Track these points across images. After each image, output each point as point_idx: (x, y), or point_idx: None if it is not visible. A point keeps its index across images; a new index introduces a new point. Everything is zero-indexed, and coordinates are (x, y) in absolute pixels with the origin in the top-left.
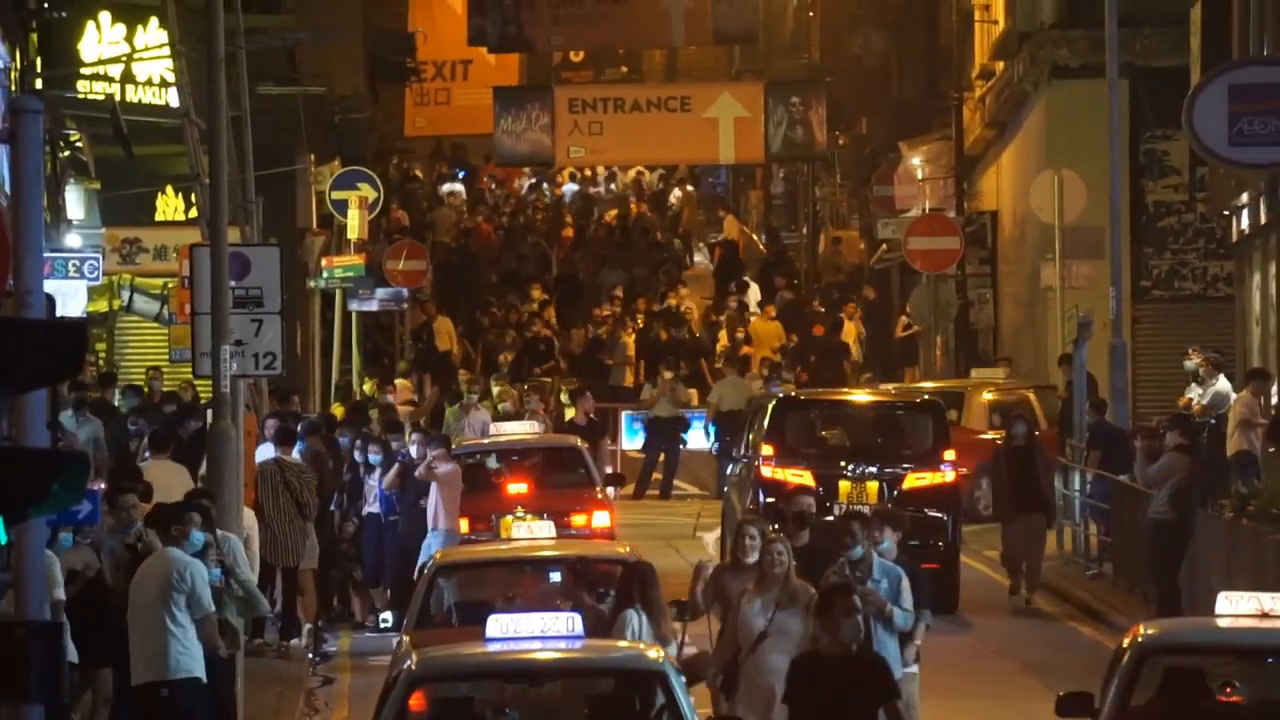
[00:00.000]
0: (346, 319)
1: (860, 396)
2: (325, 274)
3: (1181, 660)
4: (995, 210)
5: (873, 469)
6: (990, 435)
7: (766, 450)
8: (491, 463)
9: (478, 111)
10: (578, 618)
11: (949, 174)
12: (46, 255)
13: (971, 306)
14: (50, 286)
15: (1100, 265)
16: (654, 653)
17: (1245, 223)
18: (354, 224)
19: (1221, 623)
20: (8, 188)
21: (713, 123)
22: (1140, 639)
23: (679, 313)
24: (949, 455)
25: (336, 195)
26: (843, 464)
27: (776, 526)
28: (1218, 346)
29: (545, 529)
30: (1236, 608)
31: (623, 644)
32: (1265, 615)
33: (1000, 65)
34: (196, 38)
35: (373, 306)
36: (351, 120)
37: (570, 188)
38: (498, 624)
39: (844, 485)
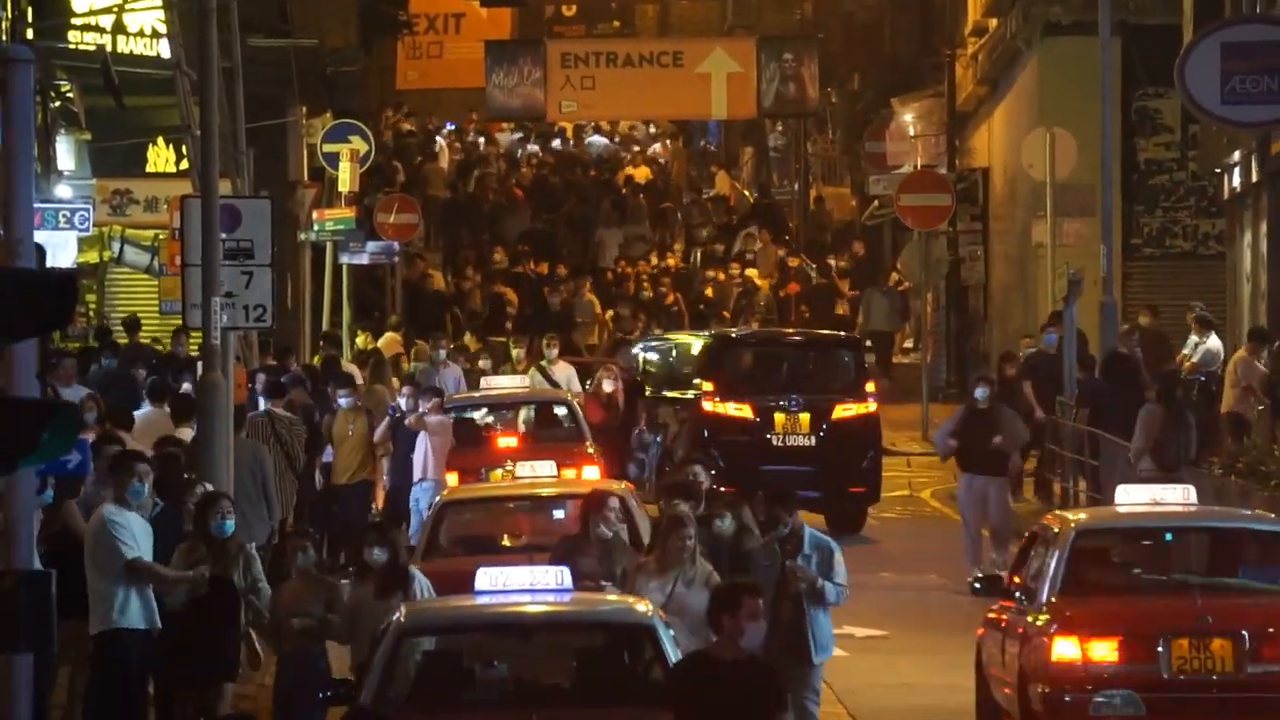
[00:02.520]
0: (337, 272)
1: (791, 335)
2: (316, 227)
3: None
4: (987, 167)
5: (804, 401)
6: None
7: (707, 386)
8: (480, 417)
9: (470, 65)
10: (567, 571)
11: (941, 131)
12: (37, 206)
13: (963, 263)
14: (41, 237)
15: (1091, 223)
16: (642, 606)
17: (1236, 181)
18: (345, 177)
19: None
20: None
21: (705, 78)
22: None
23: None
24: (870, 388)
25: (328, 148)
26: (777, 398)
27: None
28: (1206, 304)
29: (548, 468)
30: (1132, 498)
31: (611, 597)
32: (1156, 504)
33: (993, 22)
34: None
35: (363, 260)
36: (343, 73)
37: (598, 140)
38: (487, 577)
39: (779, 417)
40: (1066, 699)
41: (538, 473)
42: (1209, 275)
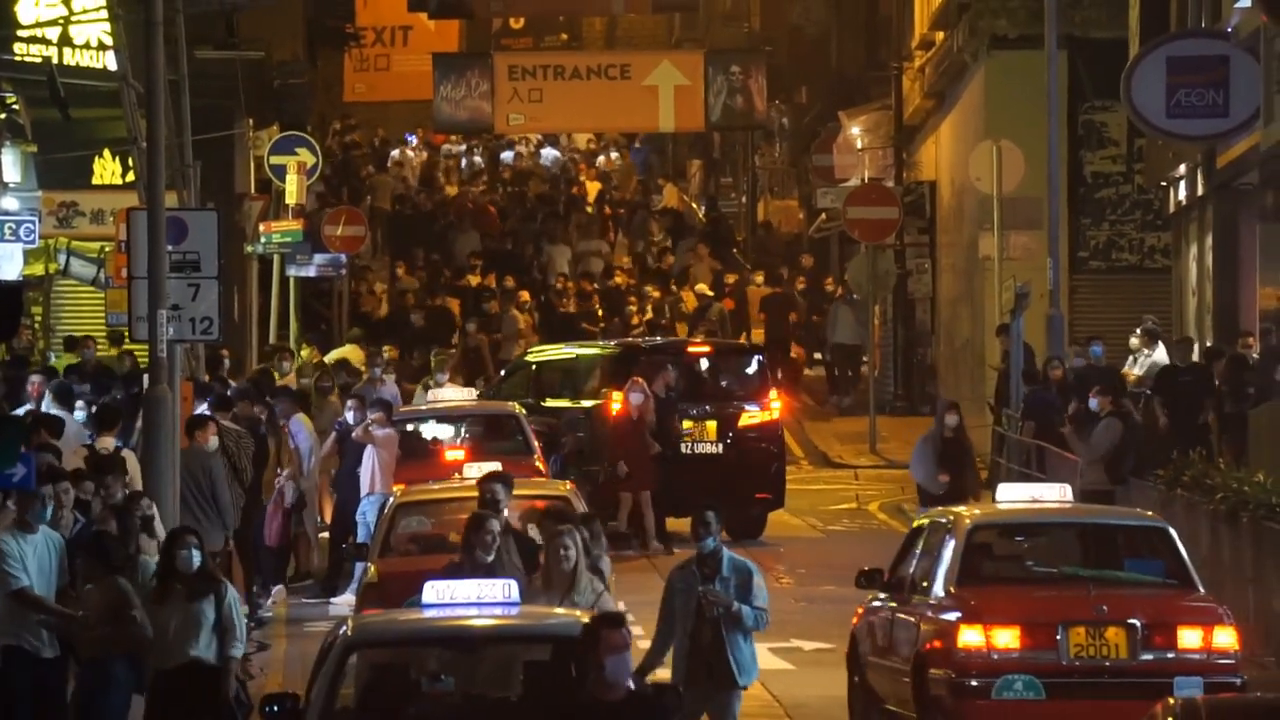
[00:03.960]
0: (285, 284)
1: (696, 344)
2: (263, 239)
3: None
4: (934, 180)
5: (710, 409)
6: None
7: (615, 395)
8: (428, 430)
9: (417, 78)
10: (514, 584)
11: (888, 144)
12: None
13: (910, 276)
14: None
15: (1038, 236)
16: (589, 620)
17: (1182, 194)
18: (292, 189)
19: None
20: None
21: (653, 90)
22: None
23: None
24: (773, 395)
25: (275, 160)
26: (684, 406)
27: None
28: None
29: (494, 468)
30: (1013, 496)
31: (559, 610)
32: (1035, 501)
33: (940, 35)
34: (134, 0)
35: (310, 272)
36: (290, 85)
37: (550, 153)
38: (433, 590)
39: (686, 424)
40: (971, 683)
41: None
42: (1155, 289)
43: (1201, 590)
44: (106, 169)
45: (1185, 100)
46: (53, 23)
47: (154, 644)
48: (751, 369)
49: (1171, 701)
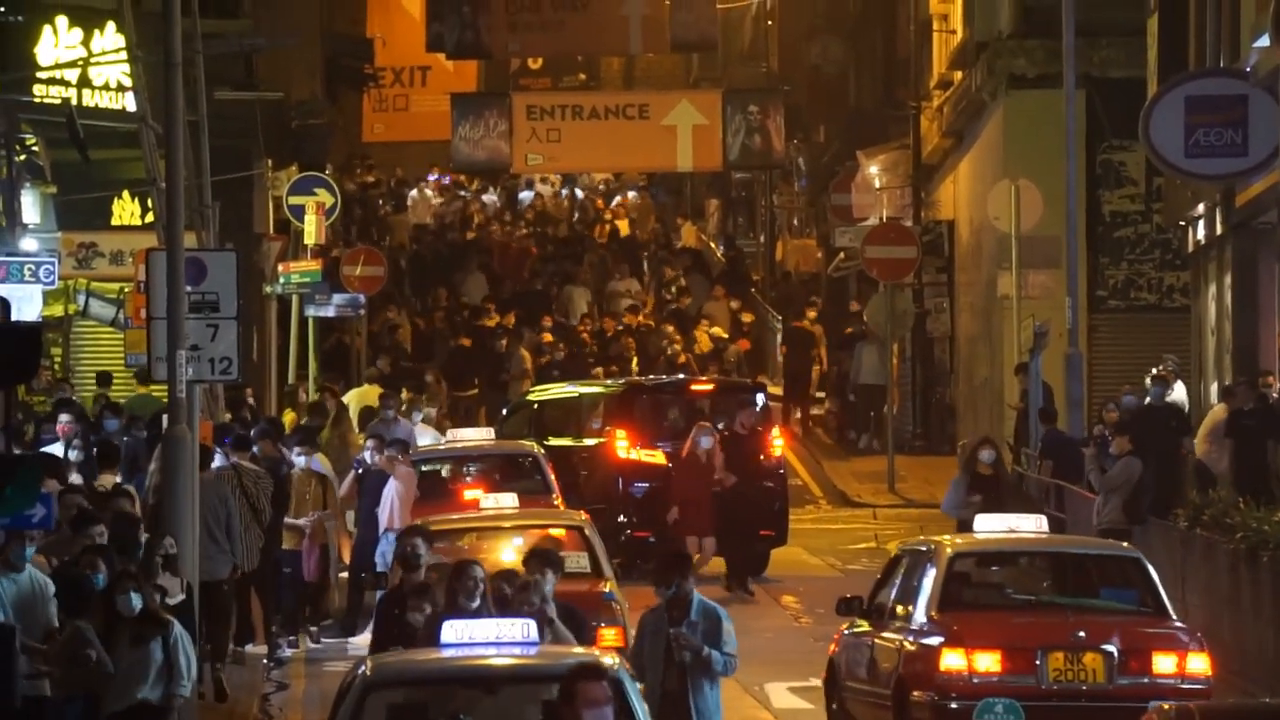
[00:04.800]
0: (303, 325)
1: (700, 382)
2: (282, 279)
3: None
4: (952, 219)
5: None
6: None
7: (619, 434)
8: (446, 469)
9: (436, 118)
10: (532, 624)
11: (906, 183)
12: (2, 259)
13: (928, 315)
14: (5, 290)
15: (1057, 275)
16: (609, 659)
17: (1201, 233)
18: (311, 229)
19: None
20: None
21: (671, 130)
22: None
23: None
24: (775, 433)
25: (294, 200)
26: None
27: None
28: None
29: (510, 499)
30: (990, 526)
31: (578, 649)
32: (1012, 531)
33: (958, 75)
34: (154, 42)
35: (329, 312)
36: (309, 126)
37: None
38: (452, 630)
39: None
40: (953, 705)
41: (501, 504)
42: (1174, 328)
43: (1174, 618)
44: (125, 210)
45: (1204, 139)
46: (72, 64)
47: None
48: (756, 406)
49: (1166, 707)
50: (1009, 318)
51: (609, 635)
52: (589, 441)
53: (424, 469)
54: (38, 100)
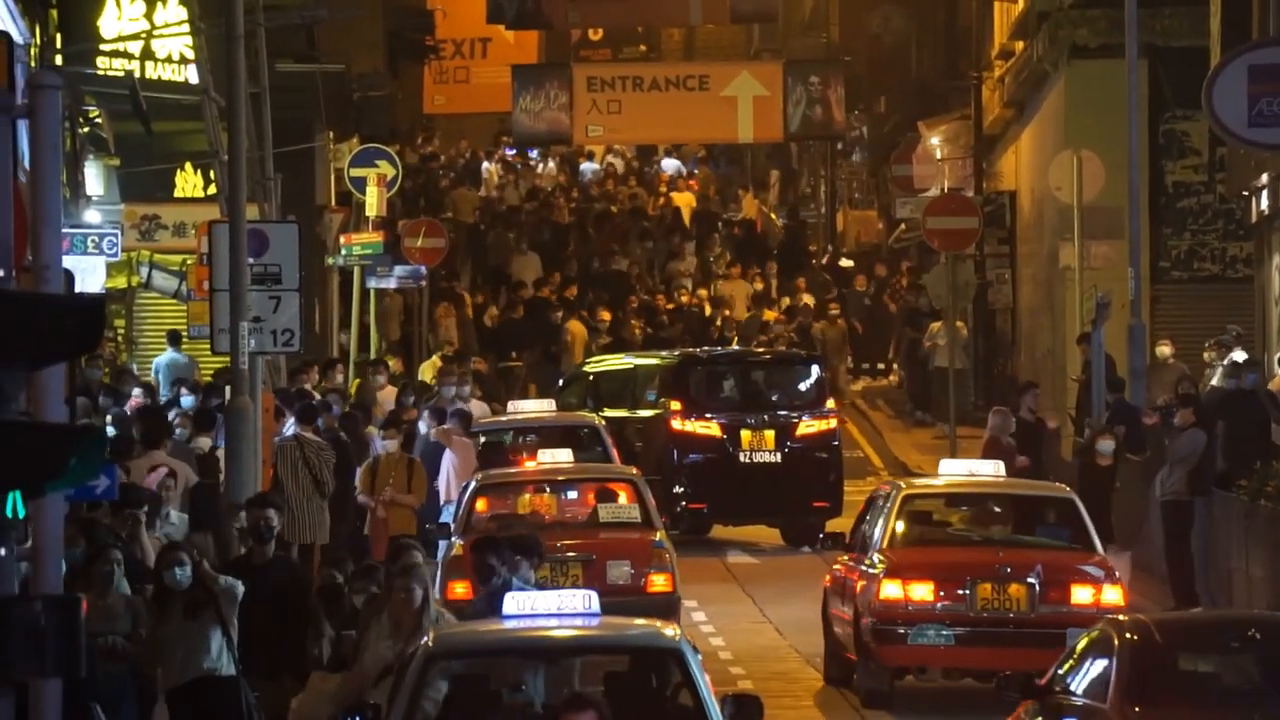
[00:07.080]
0: (365, 296)
1: (755, 353)
2: (344, 251)
3: None
4: (1014, 190)
5: (769, 418)
6: None
7: (674, 405)
8: (508, 440)
9: (496, 89)
10: (594, 595)
11: (967, 154)
12: (65, 231)
13: (990, 287)
14: (69, 262)
15: (1119, 246)
16: (670, 630)
17: (1265, 204)
18: (372, 201)
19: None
20: (27, 163)
21: (731, 101)
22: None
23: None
24: (830, 404)
25: (355, 172)
26: (743, 415)
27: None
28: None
29: (565, 455)
30: (952, 470)
31: (639, 621)
32: (972, 474)
33: (1019, 45)
34: (216, 14)
35: (391, 284)
36: (370, 98)
37: (670, 163)
38: (514, 601)
39: (745, 434)
40: (895, 629)
41: (558, 459)
42: (1237, 298)
43: (1099, 554)
44: (188, 182)
45: (1267, 109)
46: (135, 36)
47: (162, 664)
48: (809, 377)
49: (1123, 619)
50: (1071, 289)
51: (658, 580)
52: (644, 413)
53: (485, 440)
54: (101, 73)
